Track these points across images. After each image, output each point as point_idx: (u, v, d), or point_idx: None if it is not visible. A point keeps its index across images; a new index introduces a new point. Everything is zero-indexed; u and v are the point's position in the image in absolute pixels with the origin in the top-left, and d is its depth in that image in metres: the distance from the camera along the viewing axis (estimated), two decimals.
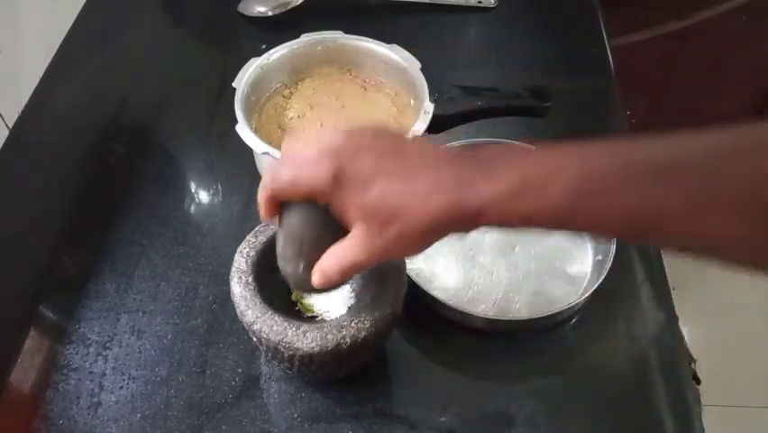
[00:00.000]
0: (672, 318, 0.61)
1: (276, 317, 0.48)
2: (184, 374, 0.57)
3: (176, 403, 0.55)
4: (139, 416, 0.54)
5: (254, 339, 0.50)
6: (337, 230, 0.41)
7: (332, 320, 0.50)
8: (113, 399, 0.55)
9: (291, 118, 0.71)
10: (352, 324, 0.48)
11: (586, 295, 0.58)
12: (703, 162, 0.34)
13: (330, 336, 0.47)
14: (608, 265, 0.59)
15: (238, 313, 0.50)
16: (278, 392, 0.56)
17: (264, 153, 0.63)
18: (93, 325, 0.60)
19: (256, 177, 0.70)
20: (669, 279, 0.63)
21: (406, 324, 0.57)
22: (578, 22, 0.91)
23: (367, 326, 0.48)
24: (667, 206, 0.34)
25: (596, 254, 0.62)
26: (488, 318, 0.58)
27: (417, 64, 0.70)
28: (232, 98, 0.67)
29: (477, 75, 0.81)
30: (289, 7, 0.88)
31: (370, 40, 0.74)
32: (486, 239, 0.64)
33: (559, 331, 0.60)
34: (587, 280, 0.61)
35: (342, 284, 0.47)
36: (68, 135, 0.76)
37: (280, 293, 0.52)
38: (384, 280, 0.51)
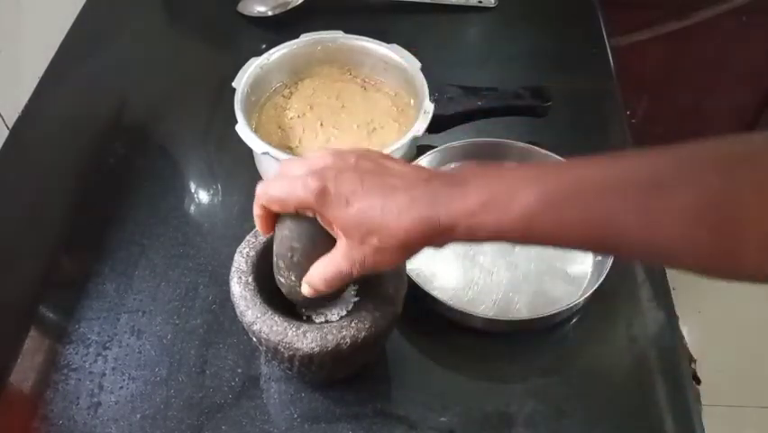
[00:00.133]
0: (672, 318, 0.61)
1: (276, 318, 0.48)
2: (184, 374, 0.57)
3: (176, 403, 0.55)
4: (139, 416, 0.54)
5: (254, 339, 0.50)
6: (326, 244, 0.44)
7: (332, 320, 0.50)
8: (113, 399, 0.55)
9: (291, 118, 0.71)
10: (352, 324, 0.48)
11: (586, 295, 0.58)
12: (660, 176, 0.36)
13: (330, 336, 0.47)
14: (608, 265, 0.59)
15: (238, 313, 0.50)
16: (278, 392, 0.56)
17: (264, 153, 0.63)
18: (93, 325, 0.60)
19: (256, 177, 0.71)
20: (669, 279, 0.63)
21: (406, 324, 0.57)
22: (578, 22, 0.91)
23: (367, 326, 0.48)
24: (621, 219, 0.36)
25: (596, 254, 0.62)
26: (488, 318, 0.58)
27: (417, 64, 0.71)
28: (232, 98, 0.67)
29: (477, 75, 0.81)
30: (289, 7, 0.88)
31: (370, 40, 0.74)
32: None
33: (559, 331, 0.60)
34: (587, 281, 0.61)
35: (333, 297, 0.50)
36: (68, 135, 0.77)
37: (280, 293, 0.52)
38: (384, 280, 0.51)
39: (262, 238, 0.53)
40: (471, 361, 0.59)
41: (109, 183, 0.72)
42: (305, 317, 0.52)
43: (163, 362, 0.57)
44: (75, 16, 0.88)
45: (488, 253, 0.64)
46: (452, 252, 0.64)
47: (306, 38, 0.74)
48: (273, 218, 0.47)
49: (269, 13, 0.88)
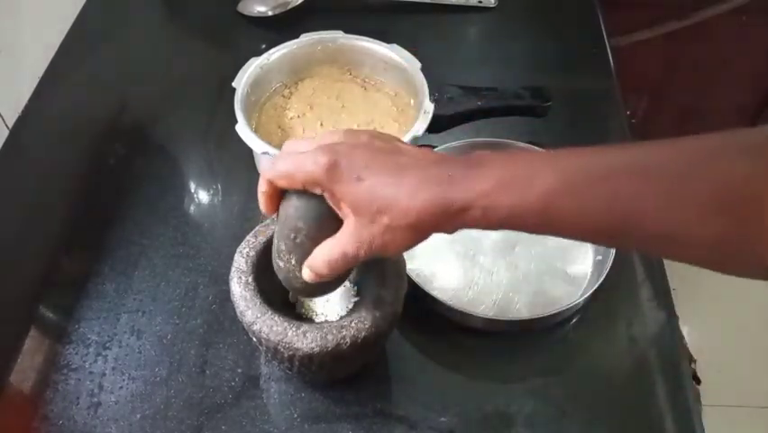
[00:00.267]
0: (672, 318, 0.61)
1: (276, 318, 0.48)
2: (184, 374, 0.57)
3: (176, 403, 0.55)
4: (139, 416, 0.54)
5: (254, 339, 0.50)
6: (332, 227, 0.42)
7: (332, 320, 0.50)
8: (112, 399, 0.55)
9: (291, 118, 0.71)
10: (352, 324, 0.48)
11: (586, 295, 0.58)
12: (677, 165, 0.35)
13: (330, 336, 0.47)
14: (608, 265, 0.59)
15: (238, 313, 0.50)
16: (278, 392, 0.56)
17: (264, 153, 0.63)
18: (93, 325, 0.60)
19: (256, 177, 0.70)
20: (669, 279, 0.63)
21: (406, 324, 0.57)
22: (578, 22, 0.91)
23: (367, 326, 0.48)
24: (640, 203, 0.35)
25: (596, 254, 0.62)
26: (488, 318, 0.58)
27: (417, 64, 0.71)
28: (232, 98, 0.67)
29: (477, 75, 0.81)
30: (289, 7, 0.88)
31: (370, 40, 0.74)
32: (486, 239, 0.64)
33: (559, 331, 0.60)
34: (587, 281, 0.61)
35: (331, 287, 0.48)
36: (68, 135, 0.77)
37: (280, 293, 0.52)
38: (384, 280, 0.51)
39: (262, 238, 0.53)
40: (471, 361, 0.59)
41: (109, 183, 0.72)
42: (304, 317, 0.52)
43: (163, 362, 0.57)
44: (75, 16, 0.88)
45: (488, 253, 0.64)
46: (452, 252, 0.64)
47: (306, 38, 0.74)
48: (278, 197, 0.44)
49: (269, 13, 0.88)
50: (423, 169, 0.39)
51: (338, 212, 0.42)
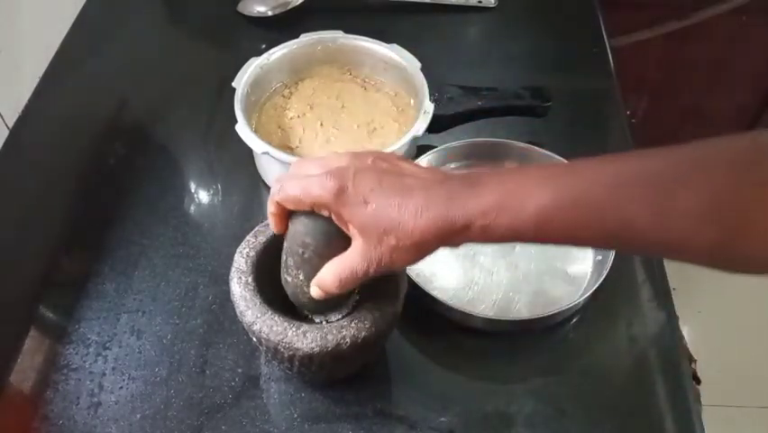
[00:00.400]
0: (672, 318, 0.61)
1: (276, 318, 0.48)
2: (184, 374, 0.57)
3: (176, 403, 0.55)
4: (139, 416, 0.54)
5: (254, 339, 0.50)
6: (339, 245, 0.44)
7: (332, 320, 0.50)
8: (112, 399, 0.55)
9: (291, 118, 0.71)
10: (352, 324, 0.48)
11: (586, 295, 0.58)
12: (671, 173, 0.37)
13: (330, 336, 0.47)
14: (608, 265, 0.59)
15: (238, 313, 0.50)
16: (278, 392, 0.56)
17: (264, 153, 0.63)
18: (93, 325, 0.60)
19: (256, 177, 0.71)
20: (669, 279, 0.63)
21: (406, 324, 0.57)
22: (578, 22, 0.91)
23: (367, 326, 0.48)
24: (634, 217, 0.37)
25: (596, 254, 0.62)
26: (488, 318, 0.58)
27: (417, 64, 0.71)
28: (232, 98, 0.67)
29: (477, 75, 0.81)
30: (289, 7, 0.88)
31: (370, 39, 0.74)
32: None
33: (559, 331, 0.60)
34: (587, 281, 0.61)
35: (337, 304, 0.50)
36: (68, 135, 0.76)
37: (280, 293, 0.52)
38: (384, 280, 0.51)
39: (262, 238, 0.53)
40: (471, 361, 0.59)
41: (109, 183, 0.72)
42: (306, 317, 0.52)
43: (163, 362, 0.57)
44: (75, 16, 0.88)
45: (488, 253, 0.64)
46: (452, 252, 0.64)
47: (306, 38, 0.74)
48: (287, 216, 0.46)
49: (269, 13, 0.88)
50: (426, 189, 0.40)
51: (346, 232, 0.43)
